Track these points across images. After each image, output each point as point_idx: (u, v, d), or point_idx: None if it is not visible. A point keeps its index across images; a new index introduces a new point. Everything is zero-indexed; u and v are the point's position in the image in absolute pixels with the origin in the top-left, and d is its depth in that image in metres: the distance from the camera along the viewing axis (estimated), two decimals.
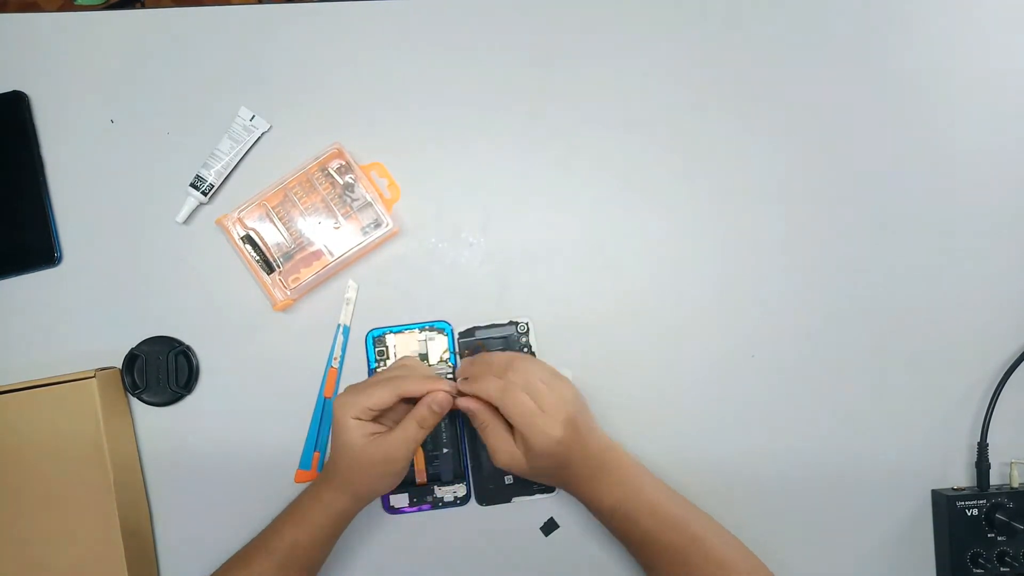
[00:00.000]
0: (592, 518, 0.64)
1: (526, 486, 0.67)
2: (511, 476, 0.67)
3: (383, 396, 0.58)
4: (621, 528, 0.61)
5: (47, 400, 0.62)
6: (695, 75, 0.70)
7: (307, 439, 0.67)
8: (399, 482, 0.61)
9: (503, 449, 0.60)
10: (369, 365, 0.67)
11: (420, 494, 0.67)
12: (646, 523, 0.60)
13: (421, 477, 0.66)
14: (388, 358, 0.67)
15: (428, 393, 0.58)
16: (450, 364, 0.67)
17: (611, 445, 0.62)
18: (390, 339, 0.67)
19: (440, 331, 0.67)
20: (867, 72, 0.71)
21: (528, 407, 0.58)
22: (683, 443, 0.68)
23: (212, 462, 0.67)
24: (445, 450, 0.67)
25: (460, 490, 0.67)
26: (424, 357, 0.67)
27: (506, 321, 0.68)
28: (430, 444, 0.67)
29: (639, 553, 0.62)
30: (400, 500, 0.67)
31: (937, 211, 0.70)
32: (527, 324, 0.67)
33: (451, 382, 0.60)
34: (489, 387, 0.59)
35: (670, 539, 0.59)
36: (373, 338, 0.67)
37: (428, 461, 0.67)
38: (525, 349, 0.68)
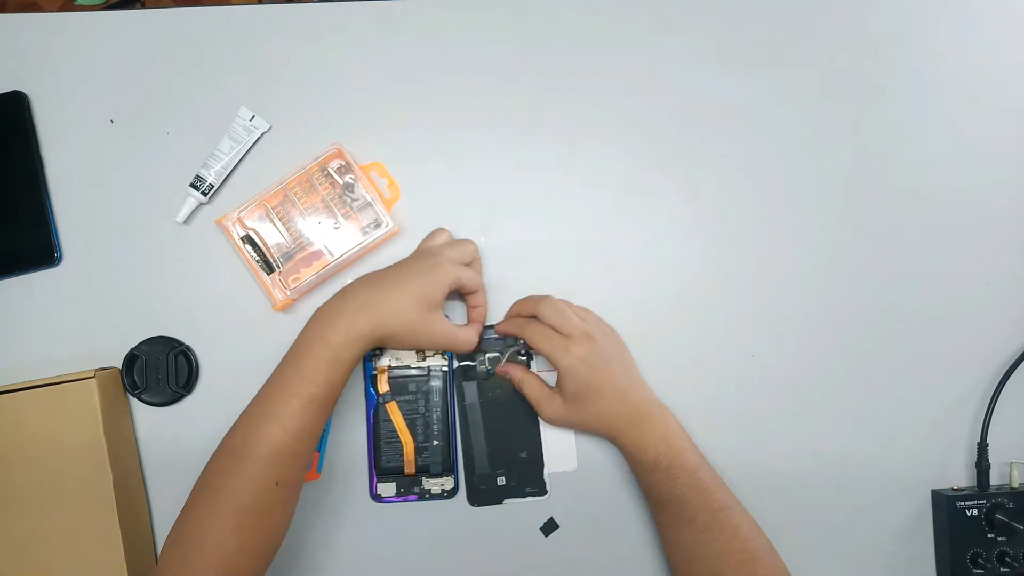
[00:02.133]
0: (592, 518, 0.64)
1: (518, 488, 0.67)
2: (503, 476, 0.67)
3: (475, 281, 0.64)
4: (659, 484, 0.61)
5: (47, 400, 0.62)
6: (696, 75, 0.70)
7: None
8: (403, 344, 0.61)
9: (543, 398, 0.64)
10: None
11: (408, 485, 0.67)
12: (685, 482, 0.60)
13: (410, 468, 0.67)
14: (379, 355, 0.67)
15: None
16: (446, 357, 0.67)
17: (658, 402, 0.65)
18: None
19: None
20: (869, 76, 0.71)
21: (546, 331, 0.62)
22: None
23: None
24: (436, 442, 0.67)
25: (448, 483, 0.67)
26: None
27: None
28: (421, 435, 0.67)
29: (668, 512, 0.62)
30: (387, 489, 0.67)
31: (937, 211, 0.70)
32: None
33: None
34: (515, 322, 0.65)
35: (705, 502, 0.60)
36: None
37: (418, 452, 0.67)
38: (522, 353, 0.68)
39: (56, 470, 0.62)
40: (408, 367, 0.67)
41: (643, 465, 0.62)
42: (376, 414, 0.67)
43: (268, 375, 0.67)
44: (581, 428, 0.66)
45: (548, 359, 0.62)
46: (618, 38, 0.70)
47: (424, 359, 0.67)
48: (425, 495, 0.67)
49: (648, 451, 0.61)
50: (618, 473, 0.68)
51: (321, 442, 0.67)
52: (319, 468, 0.67)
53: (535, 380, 0.65)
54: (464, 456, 0.67)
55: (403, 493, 0.67)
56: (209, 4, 0.88)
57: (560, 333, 0.62)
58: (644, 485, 0.64)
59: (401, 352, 0.67)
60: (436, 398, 0.67)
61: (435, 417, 0.67)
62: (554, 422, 0.65)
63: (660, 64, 0.70)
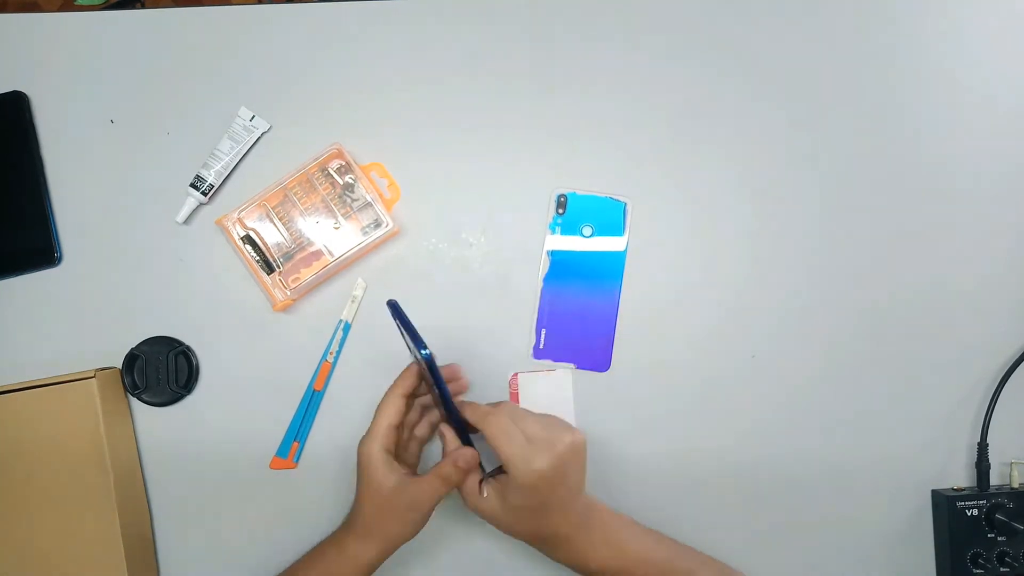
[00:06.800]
0: None
1: None
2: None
3: (393, 404, 0.59)
4: None
5: (47, 400, 0.62)
6: (695, 74, 0.70)
7: (289, 427, 0.67)
8: (419, 531, 0.59)
9: (476, 494, 0.58)
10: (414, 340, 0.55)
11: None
12: (643, 574, 0.58)
13: None
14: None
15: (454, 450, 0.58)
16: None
17: (595, 505, 0.60)
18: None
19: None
20: (868, 79, 0.71)
21: (511, 430, 0.55)
22: (682, 443, 0.68)
23: (212, 462, 0.67)
24: None
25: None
26: None
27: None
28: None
29: None
30: None
31: (937, 212, 0.70)
32: None
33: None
34: (476, 411, 0.57)
35: None
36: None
37: None
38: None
39: (56, 470, 0.62)
40: None
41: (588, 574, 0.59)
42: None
43: (268, 375, 0.67)
44: (508, 533, 0.59)
45: (506, 464, 0.55)
46: (618, 39, 0.70)
47: None
48: None
49: (591, 561, 0.58)
50: (616, 473, 0.68)
51: (303, 430, 0.67)
52: (296, 458, 0.67)
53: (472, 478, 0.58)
54: None
55: None
56: (209, 4, 0.88)
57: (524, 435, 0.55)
58: None
59: None
60: None
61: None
62: (482, 516, 0.58)
63: (659, 65, 0.70)
